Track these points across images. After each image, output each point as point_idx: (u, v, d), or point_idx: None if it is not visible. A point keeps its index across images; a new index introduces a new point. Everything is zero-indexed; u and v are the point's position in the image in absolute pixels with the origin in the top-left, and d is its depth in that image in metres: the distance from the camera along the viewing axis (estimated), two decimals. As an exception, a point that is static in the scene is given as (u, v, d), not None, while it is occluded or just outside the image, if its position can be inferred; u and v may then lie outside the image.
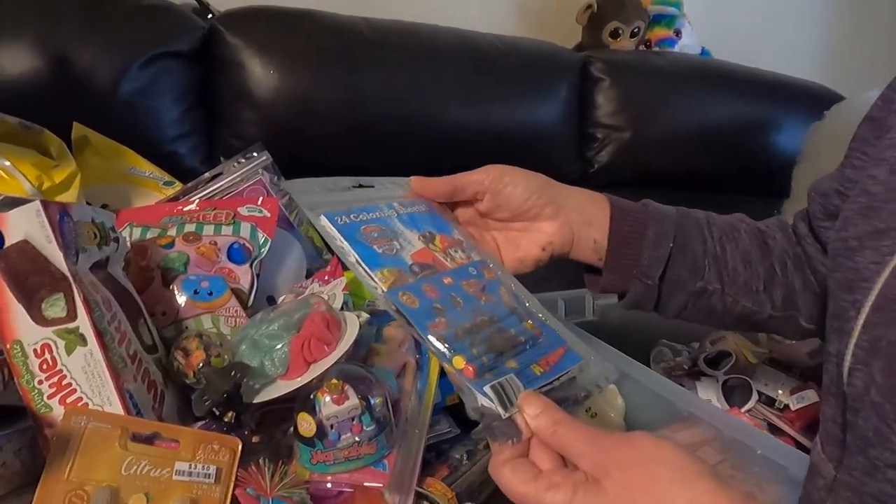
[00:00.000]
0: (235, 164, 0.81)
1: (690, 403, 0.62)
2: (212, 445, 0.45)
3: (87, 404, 0.44)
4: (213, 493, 0.43)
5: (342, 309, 0.60)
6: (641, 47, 1.68)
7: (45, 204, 0.45)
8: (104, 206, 0.81)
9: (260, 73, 1.21)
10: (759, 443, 0.55)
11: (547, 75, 1.47)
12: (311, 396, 0.47)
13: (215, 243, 0.65)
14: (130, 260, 0.60)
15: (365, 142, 1.29)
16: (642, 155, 1.54)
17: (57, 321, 0.44)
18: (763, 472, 0.55)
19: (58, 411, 0.43)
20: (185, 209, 0.70)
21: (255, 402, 0.50)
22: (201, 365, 0.52)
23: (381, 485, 0.47)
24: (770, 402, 0.81)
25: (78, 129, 0.91)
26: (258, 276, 0.66)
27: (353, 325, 0.54)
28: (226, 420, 0.47)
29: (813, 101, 1.64)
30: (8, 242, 0.44)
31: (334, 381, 0.47)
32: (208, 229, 0.67)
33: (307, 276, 0.73)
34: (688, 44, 1.72)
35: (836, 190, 0.56)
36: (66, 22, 1.08)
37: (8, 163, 0.74)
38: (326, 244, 0.77)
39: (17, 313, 0.44)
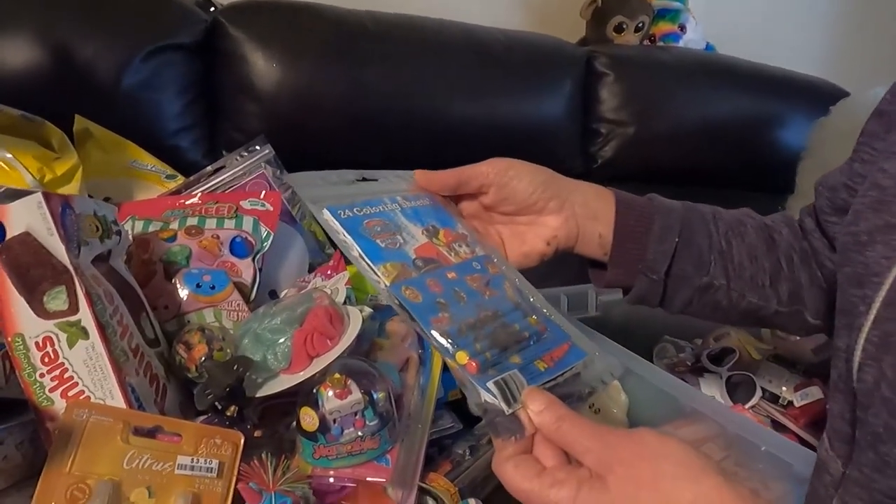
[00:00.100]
0: (238, 157, 0.81)
1: (694, 400, 0.62)
2: (214, 439, 0.44)
3: (88, 398, 0.44)
4: (216, 488, 0.43)
5: (345, 303, 0.60)
6: (646, 42, 1.67)
7: (46, 196, 0.45)
8: (106, 200, 0.81)
9: (262, 67, 1.21)
10: (763, 439, 0.55)
11: (551, 70, 1.47)
12: (314, 391, 0.47)
13: (218, 237, 0.65)
14: (132, 253, 0.60)
15: (368, 136, 1.29)
16: (646, 150, 1.53)
17: (59, 314, 0.44)
18: (767, 468, 0.54)
19: (59, 405, 0.43)
20: (187, 202, 0.69)
21: (257, 396, 0.50)
22: (203, 359, 0.51)
23: (383, 480, 0.47)
24: (774, 398, 0.81)
25: (80, 122, 0.90)
26: (261, 270, 0.65)
27: (356, 319, 0.54)
28: (228, 414, 0.47)
29: (818, 97, 1.63)
30: (9, 234, 0.44)
31: (337, 375, 0.47)
32: (211, 223, 0.66)
33: (310, 271, 0.73)
34: (692, 39, 1.71)
35: (844, 184, 0.55)
36: (69, 14, 1.08)
37: (9, 155, 0.73)
38: (329, 238, 0.77)
39: (19, 306, 0.43)
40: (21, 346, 0.43)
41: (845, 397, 0.44)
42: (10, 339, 0.43)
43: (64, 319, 0.44)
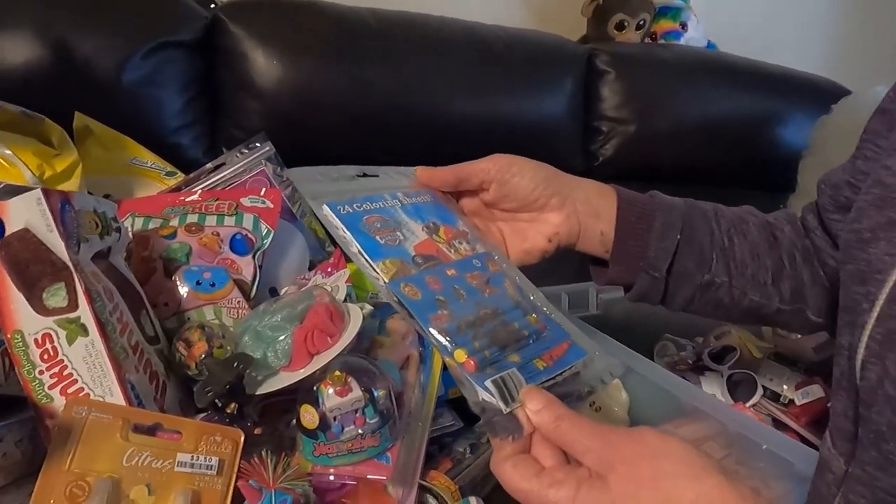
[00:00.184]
0: (238, 154, 0.80)
1: (695, 398, 0.62)
2: (214, 437, 0.44)
3: (88, 395, 0.44)
4: (216, 485, 0.43)
5: (345, 301, 0.60)
6: (647, 40, 1.67)
7: (46, 192, 0.45)
8: (106, 197, 0.81)
9: (263, 64, 1.20)
10: (765, 438, 0.55)
11: (552, 68, 1.46)
12: (314, 388, 0.46)
13: (218, 234, 0.65)
14: (132, 250, 0.60)
15: (369, 133, 1.29)
16: (647, 148, 1.53)
17: (58, 311, 0.44)
18: (768, 467, 0.54)
19: (59, 402, 0.43)
20: (187, 199, 0.69)
21: (257, 393, 0.50)
22: (203, 356, 0.51)
23: (384, 477, 0.46)
24: (775, 397, 0.81)
25: (80, 119, 0.90)
26: (261, 267, 0.65)
27: (356, 316, 0.54)
28: (228, 411, 0.47)
29: (819, 96, 1.63)
30: (9, 231, 0.44)
31: (337, 372, 0.46)
32: (211, 220, 0.66)
33: (310, 268, 0.73)
34: (693, 36, 1.71)
35: (846, 182, 0.55)
36: (69, 11, 1.08)
37: (9, 151, 0.73)
38: (329, 235, 0.77)
39: (18, 303, 0.43)
40: (20, 343, 0.43)
41: (848, 395, 0.43)
42: (9, 335, 0.43)
43: (63, 316, 0.44)
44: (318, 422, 0.46)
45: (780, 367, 0.83)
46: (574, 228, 0.57)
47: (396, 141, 1.31)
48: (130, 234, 0.62)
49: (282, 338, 0.50)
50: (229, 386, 0.47)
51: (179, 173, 0.90)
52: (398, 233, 0.50)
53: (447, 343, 0.43)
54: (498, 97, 1.38)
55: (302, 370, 0.50)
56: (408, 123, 1.31)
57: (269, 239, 0.67)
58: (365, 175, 0.55)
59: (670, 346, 0.91)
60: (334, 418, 0.46)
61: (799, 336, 0.84)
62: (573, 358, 0.47)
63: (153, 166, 0.91)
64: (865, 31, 2.09)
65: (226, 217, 0.67)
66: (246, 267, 0.64)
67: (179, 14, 1.18)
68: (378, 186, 0.54)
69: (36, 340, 0.43)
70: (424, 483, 0.49)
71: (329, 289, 0.59)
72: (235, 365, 0.48)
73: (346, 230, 0.48)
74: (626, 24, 1.60)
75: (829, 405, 0.73)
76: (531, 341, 0.47)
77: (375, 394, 0.47)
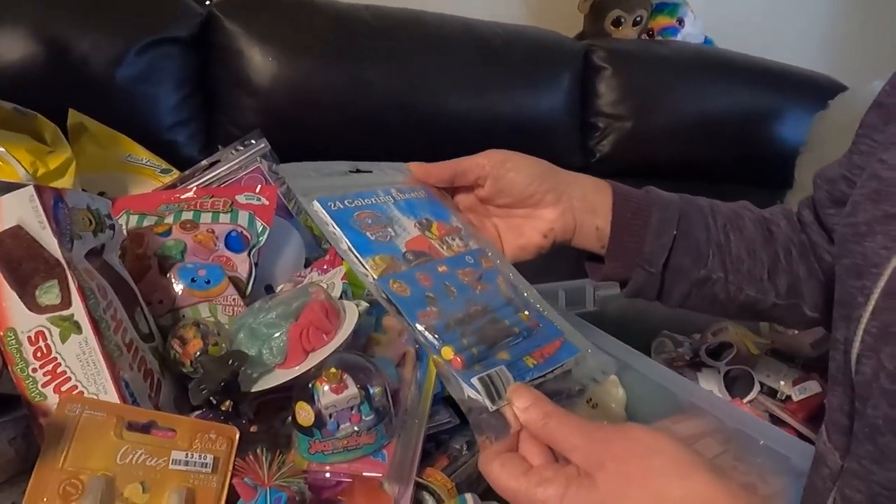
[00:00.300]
0: (233, 151, 0.80)
1: (692, 394, 0.62)
2: (209, 434, 0.44)
3: (81, 392, 0.43)
4: (210, 483, 0.43)
5: (341, 298, 0.59)
6: (644, 36, 1.66)
7: (39, 189, 0.45)
8: (101, 194, 0.80)
9: (259, 61, 1.20)
10: (762, 433, 0.55)
11: (549, 64, 1.46)
12: (310, 385, 0.46)
13: (213, 231, 0.65)
14: (127, 248, 0.60)
15: (365, 130, 1.29)
16: (644, 145, 1.53)
17: (51, 308, 0.44)
18: (766, 462, 0.54)
19: (52, 399, 0.43)
20: (182, 197, 0.69)
21: (252, 390, 0.49)
22: (198, 353, 0.51)
23: (380, 475, 0.46)
24: (772, 393, 0.81)
25: (74, 117, 0.90)
26: (256, 264, 0.65)
27: (352, 313, 0.54)
28: (223, 409, 0.47)
29: (817, 92, 1.63)
30: (1, 228, 0.44)
31: (333, 370, 0.46)
32: (206, 217, 0.66)
33: (306, 266, 0.73)
34: (691, 32, 1.70)
35: (842, 176, 0.55)
36: (62, 6, 1.07)
37: (2, 149, 0.73)
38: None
39: (11, 300, 0.43)
40: (13, 341, 0.43)
41: (844, 389, 0.43)
42: (2, 333, 0.43)
43: (56, 314, 0.44)
44: (313, 419, 0.45)
45: (778, 363, 0.83)
46: (570, 224, 0.57)
47: (393, 137, 1.31)
48: (125, 231, 0.61)
49: (277, 335, 0.50)
50: (224, 383, 0.47)
51: (174, 170, 0.90)
52: (389, 229, 0.50)
53: (434, 340, 0.43)
54: (495, 94, 1.38)
55: (297, 367, 0.50)
56: (404, 120, 1.31)
57: (265, 236, 0.66)
58: (358, 171, 0.55)
59: (667, 342, 0.91)
60: (330, 415, 0.45)
61: (796, 332, 0.84)
62: (565, 356, 0.47)
63: (148, 163, 0.90)
64: (862, 26, 2.09)
65: (221, 214, 0.66)
66: (241, 264, 0.64)
67: (175, 10, 1.18)
68: (371, 182, 0.54)
69: (29, 338, 0.43)
70: (421, 480, 0.49)
71: (325, 286, 0.59)
72: (230, 362, 0.48)
73: (335, 226, 0.48)
74: (622, 20, 1.59)
75: (825, 400, 0.73)
76: (522, 338, 0.46)
77: (371, 391, 0.47)
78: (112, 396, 0.44)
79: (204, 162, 0.79)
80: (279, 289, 0.68)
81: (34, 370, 0.43)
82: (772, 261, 0.59)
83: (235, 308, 0.59)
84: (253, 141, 0.81)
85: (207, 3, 1.24)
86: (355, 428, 0.46)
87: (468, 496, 0.48)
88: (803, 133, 1.59)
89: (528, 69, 1.42)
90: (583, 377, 0.47)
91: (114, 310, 0.48)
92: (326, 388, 0.46)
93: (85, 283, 0.45)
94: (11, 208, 0.44)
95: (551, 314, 0.51)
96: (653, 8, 1.65)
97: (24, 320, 0.43)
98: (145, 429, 0.43)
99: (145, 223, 0.65)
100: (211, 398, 0.47)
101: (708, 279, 0.58)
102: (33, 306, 0.43)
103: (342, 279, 0.63)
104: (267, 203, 0.69)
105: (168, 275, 0.58)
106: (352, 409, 0.46)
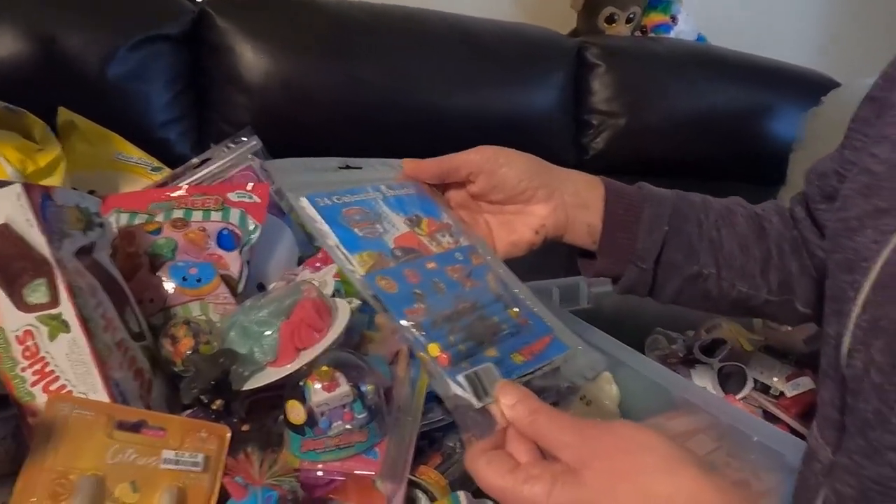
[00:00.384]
0: (224, 148, 0.79)
1: (686, 391, 0.62)
2: (200, 433, 0.44)
3: (71, 392, 0.43)
4: (201, 482, 0.42)
5: (333, 296, 0.59)
6: (637, 33, 1.66)
7: (27, 187, 0.44)
8: (91, 193, 0.80)
9: (251, 58, 1.19)
10: (756, 429, 0.55)
11: (542, 61, 1.46)
12: (301, 384, 0.46)
13: (204, 229, 0.64)
14: (117, 246, 0.59)
15: (358, 127, 1.28)
16: (638, 142, 1.53)
17: (39, 307, 0.43)
18: (759, 459, 0.54)
19: (41, 399, 0.42)
20: (173, 195, 0.68)
21: (244, 389, 0.49)
22: (189, 352, 0.51)
23: (372, 473, 0.46)
24: (765, 389, 0.81)
25: (64, 115, 0.89)
26: (248, 262, 0.65)
27: (344, 311, 0.53)
28: (214, 408, 0.47)
29: (809, 88, 1.63)
30: (-12, 226, 0.43)
31: (325, 368, 0.46)
32: (197, 215, 0.65)
33: (298, 264, 0.72)
34: (684, 30, 1.71)
35: (834, 171, 0.55)
36: (54, 4, 1.07)
37: (-9, 147, 0.72)
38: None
39: (-2, 299, 0.43)
40: (1, 340, 0.43)
41: (835, 384, 0.44)
42: (-11, 332, 0.43)
43: (45, 312, 0.43)
44: (305, 417, 0.45)
45: (771, 359, 0.84)
46: (561, 220, 0.56)
47: (386, 134, 1.30)
48: (115, 229, 0.61)
49: (268, 333, 0.50)
50: (215, 382, 0.47)
51: (166, 169, 0.89)
52: (378, 225, 0.49)
53: (421, 337, 0.42)
54: (488, 91, 1.38)
55: (289, 365, 0.49)
56: (397, 117, 1.31)
57: (257, 234, 0.66)
58: (348, 167, 0.54)
59: (661, 339, 0.91)
60: (322, 414, 0.45)
61: (789, 328, 0.84)
62: (554, 353, 0.47)
63: (139, 162, 0.90)
64: (855, 22, 2.09)
65: (212, 212, 0.66)
66: (233, 262, 0.63)
67: (166, 7, 1.17)
68: (361, 178, 0.53)
69: (17, 337, 0.43)
70: (414, 478, 0.48)
71: (317, 284, 0.59)
72: (221, 361, 0.48)
73: (323, 222, 0.47)
74: (616, 17, 1.60)
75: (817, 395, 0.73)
76: (510, 335, 0.46)
77: (363, 389, 0.46)
78: (102, 396, 0.43)
79: (195, 160, 0.78)
80: (271, 287, 0.67)
81: (23, 369, 0.43)
82: (764, 257, 0.59)
83: (227, 306, 0.59)
84: (244, 138, 0.80)
85: (199, -1, 1.24)
86: (347, 426, 0.46)
87: (461, 494, 0.48)
88: (796, 129, 1.59)
89: (521, 66, 1.41)
90: (572, 374, 0.47)
91: (104, 308, 0.48)
92: (318, 386, 0.45)
93: (74, 281, 0.45)
94: (-1, 206, 0.43)
95: (541, 311, 0.50)
96: (646, 5, 1.65)
97: (11, 319, 0.43)
98: (135, 428, 0.43)
99: (136, 221, 0.65)
100: (202, 397, 0.46)
101: (700, 275, 0.58)
102: (21, 305, 0.43)
103: (334, 277, 0.62)
104: (259, 201, 0.68)
105: (159, 273, 0.58)
106: (344, 407, 0.46)
